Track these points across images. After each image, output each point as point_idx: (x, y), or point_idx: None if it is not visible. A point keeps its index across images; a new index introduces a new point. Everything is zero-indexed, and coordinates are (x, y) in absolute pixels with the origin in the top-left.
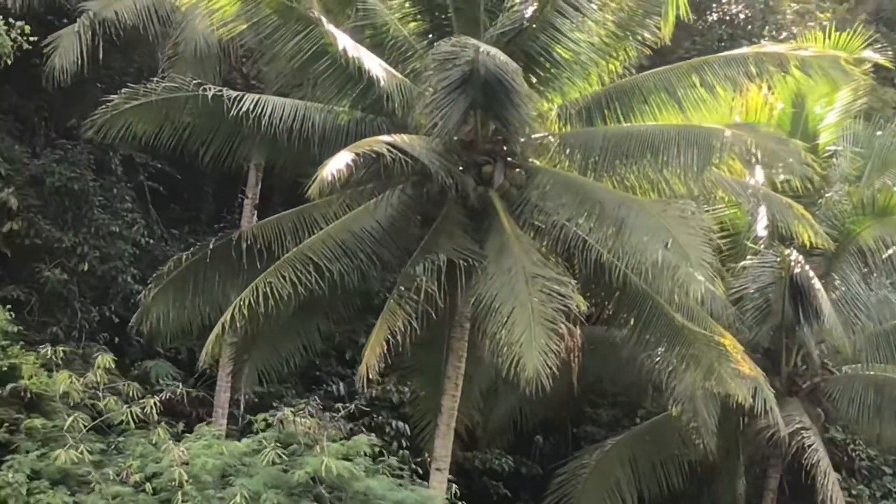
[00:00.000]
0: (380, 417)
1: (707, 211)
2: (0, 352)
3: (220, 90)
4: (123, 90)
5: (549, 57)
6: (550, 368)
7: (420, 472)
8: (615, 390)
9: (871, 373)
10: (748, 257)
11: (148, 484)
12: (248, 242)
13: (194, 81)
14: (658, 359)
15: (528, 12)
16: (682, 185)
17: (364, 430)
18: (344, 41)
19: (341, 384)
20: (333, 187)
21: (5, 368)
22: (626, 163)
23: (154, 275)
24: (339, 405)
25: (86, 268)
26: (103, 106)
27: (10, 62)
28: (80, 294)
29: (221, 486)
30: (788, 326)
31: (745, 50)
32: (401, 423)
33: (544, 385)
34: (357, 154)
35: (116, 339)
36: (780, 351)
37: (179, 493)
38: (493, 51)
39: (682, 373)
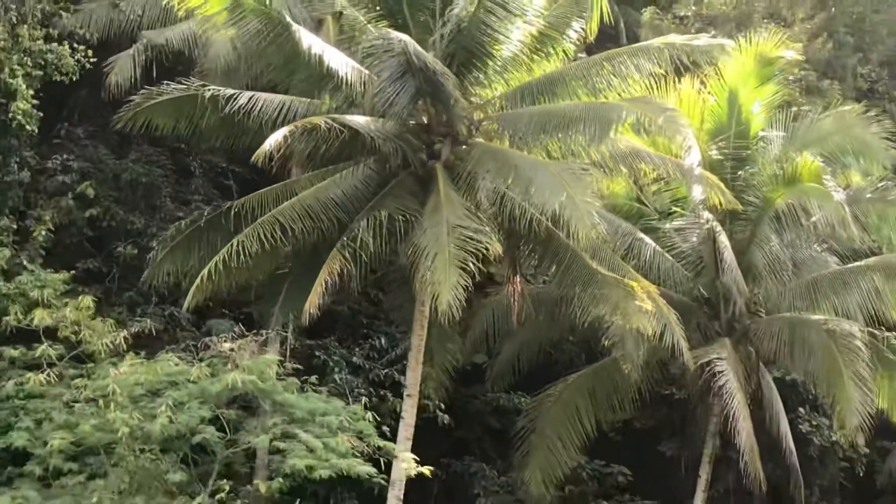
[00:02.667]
0: None
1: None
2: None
3: (218, 89)
4: (142, 90)
5: (487, 52)
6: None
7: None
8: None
9: (788, 315)
10: (677, 220)
11: (101, 399)
12: (236, 210)
13: (198, 83)
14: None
15: (462, 13)
16: (595, 153)
17: (396, 373)
18: (309, 40)
19: (383, 339)
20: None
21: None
22: (549, 136)
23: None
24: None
25: (154, 244)
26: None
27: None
28: None
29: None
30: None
31: (652, 41)
32: None
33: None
34: (295, 127)
35: None
36: (718, 300)
37: (112, 403)
38: (408, 40)
39: (592, 309)
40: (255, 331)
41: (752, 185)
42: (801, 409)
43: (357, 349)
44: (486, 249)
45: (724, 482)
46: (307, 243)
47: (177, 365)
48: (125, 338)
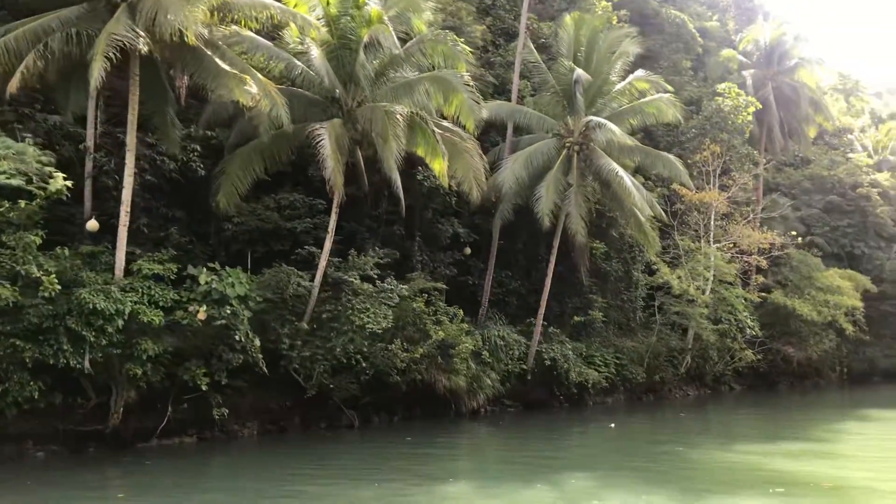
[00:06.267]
0: None
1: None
2: None
3: None
4: None
5: None
6: None
7: None
8: None
9: (373, 105)
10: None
11: None
12: None
13: None
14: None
15: None
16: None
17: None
18: None
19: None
20: None
21: None
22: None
23: None
24: None
25: None
26: None
27: None
28: None
29: None
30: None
31: None
32: None
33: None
34: None
35: None
36: (343, 98)
37: None
38: None
39: (219, 91)
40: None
41: (351, 28)
42: (420, 167)
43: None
44: (141, 49)
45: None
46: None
47: None
48: None
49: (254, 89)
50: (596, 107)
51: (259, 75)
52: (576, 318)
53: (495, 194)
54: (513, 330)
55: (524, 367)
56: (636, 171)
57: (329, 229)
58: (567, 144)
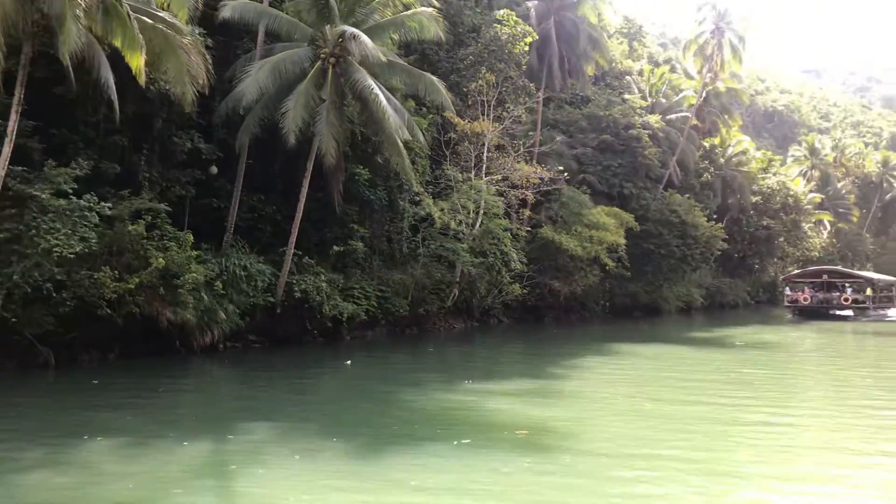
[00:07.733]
0: None
1: None
2: None
3: None
4: None
5: None
6: None
7: None
8: None
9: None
10: None
11: None
12: None
13: None
14: None
15: None
16: None
17: None
18: None
19: None
20: None
21: None
22: None
23: None
24: None
25: None
26: None
27: None
28: None
29: None
30: None
31: None
32: None
33: None
34: None
35: None
36: None
37: None
38: None
39: None
40: None
41: None
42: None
43: None
44: None
45: None
46: None
47: None
48: None
49: None
50: (356, 16)
51: None
52: (335, 248)
53: (244, 107)
54: (260, 259)
55: (272, 299)
56: (409, 96)
57: (8, 131)
58: (322, 56)
